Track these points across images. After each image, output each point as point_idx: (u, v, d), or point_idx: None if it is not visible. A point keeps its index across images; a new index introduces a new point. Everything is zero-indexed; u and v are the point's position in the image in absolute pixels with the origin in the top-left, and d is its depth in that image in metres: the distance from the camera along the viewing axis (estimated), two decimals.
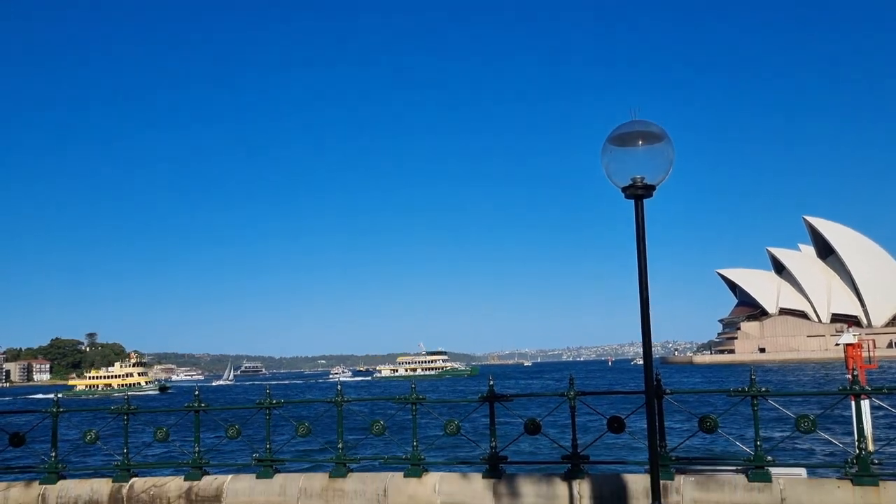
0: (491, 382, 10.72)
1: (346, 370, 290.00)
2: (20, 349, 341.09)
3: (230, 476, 11.25)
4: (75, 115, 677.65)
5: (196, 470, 11.25)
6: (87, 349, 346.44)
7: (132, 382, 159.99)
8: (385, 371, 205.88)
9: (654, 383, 8.57)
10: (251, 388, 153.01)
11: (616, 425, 9.69)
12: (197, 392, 11.87)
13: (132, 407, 11.76)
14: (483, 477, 10.09)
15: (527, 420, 10.14)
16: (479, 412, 10.80)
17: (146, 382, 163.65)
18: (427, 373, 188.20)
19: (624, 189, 5.92)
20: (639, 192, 5.89)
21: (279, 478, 10.95)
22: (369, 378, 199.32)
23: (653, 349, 6.17)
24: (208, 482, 11.14)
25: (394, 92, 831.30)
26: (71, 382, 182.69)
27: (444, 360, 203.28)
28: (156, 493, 11.18)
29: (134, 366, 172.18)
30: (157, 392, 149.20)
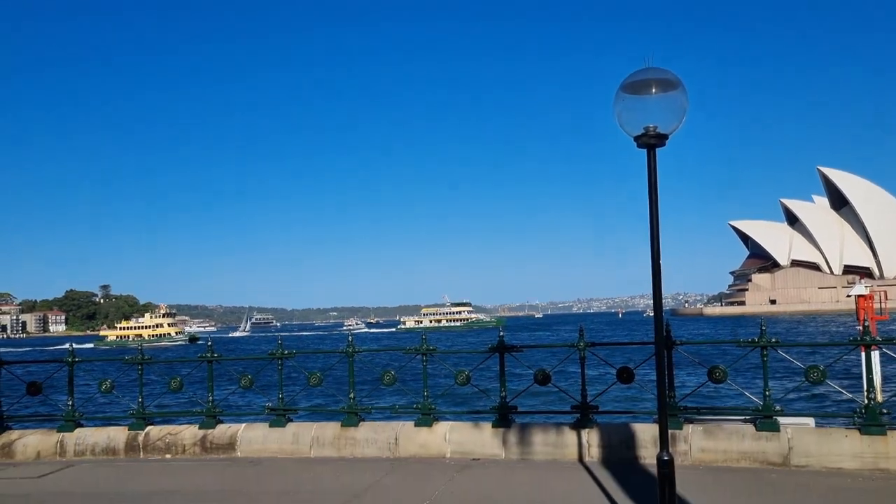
0: (501, 333, 10.77)
1: (359, 322, 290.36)
2: (35, 301, 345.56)
3: (243, 425, 11.44)
4: (92, 63, 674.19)
5: (210, 419, 11.43)
6: (102, 301, 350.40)
7: (163, 333, 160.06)
8: (409, 322, 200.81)
9: (664, 334, 8.59)
10: (264, 339, 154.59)
11: (625, 376, 9.73)
12: (210, 343, 12.04)
13: (146, 357, 11.92)
14: (493, 426, 10.20)
15: (536, 371, 10.21)
16: (490, 363, 10.85)
17: (176, 333, 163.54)
18: (452, 324, 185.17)
19: (636, 138, 5.81)
20: (651, 142, 5.79)
21: (292, 427, 11.12)
22: (393, 329, 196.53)
23: (663, 301, 6.15)
24: (222, 430, 11.34)
25: (408, 47, 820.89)
26: (102, 333, 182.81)
27: (469, 312, 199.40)
28: (171, 441, 11.40)
29: (163, 316, 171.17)
30: (187, 342, 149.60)
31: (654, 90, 5.71)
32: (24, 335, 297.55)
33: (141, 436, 11.55)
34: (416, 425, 10.52)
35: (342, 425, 10.83)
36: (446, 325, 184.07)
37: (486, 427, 10.25)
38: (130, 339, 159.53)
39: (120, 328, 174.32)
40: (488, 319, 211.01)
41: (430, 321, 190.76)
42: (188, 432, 11.43)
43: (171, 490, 9.20)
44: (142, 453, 11.44)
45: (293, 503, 8.30)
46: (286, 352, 11.36)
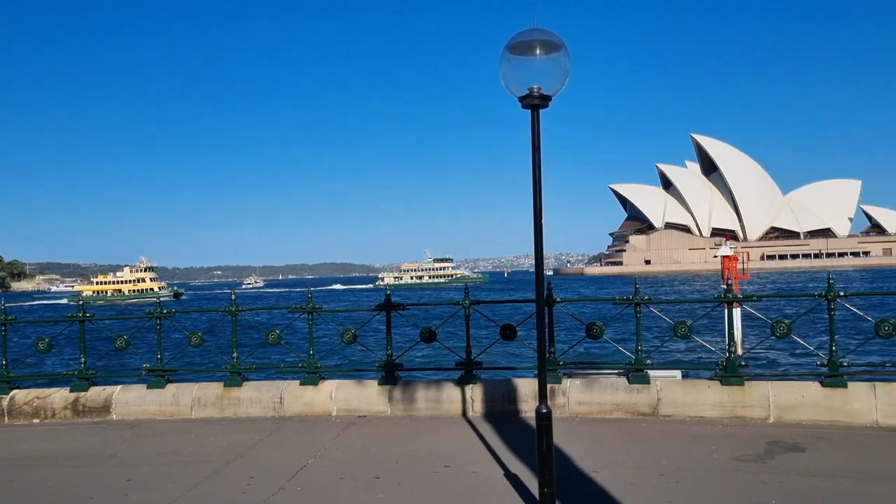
0: (387, 292, 10.80)
1: (258, 280, 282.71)
2: None
3: (119, 387, 11.02)
4: None
5: (82, 381, 10.93)
6: None
7: (145, 288, 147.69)
8: (388, 279, 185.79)
9: (545, 293, 8.87)
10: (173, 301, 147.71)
11: (508, 333, 10.01)
12: (81, 302, 11.47)
13: (10, 317, 11.21)
14: (379, 384, 10.29)
15: (422, 328, 10.33)
16: (378, 321, 10.86)
17: (159, 288, 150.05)
18: (436, 280, 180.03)
19: (520, 98, 5.88)
20: (535, 102, 5.87)
21: (171, 388, 10.80)
22: (370, 286, 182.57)
23: (547, 261, 6.33)
24: (96, 393, 10.87)
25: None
26: (78, 288, 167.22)
27: (452, 268, 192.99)
28: (39, 405, 10.83)
29: (145, 270, 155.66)
30: (172, 298, 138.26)
31: (538, 51, 5.79)
32: None
33: (5, 400, 10.91)
34: (301, 384, 10.46)
35: (225, 385, 10.62)
36: (429, 281, 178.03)
37: (373, 384, 10.32)
38: (109, 294, 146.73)
39: (97, 283, 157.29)
40: (474, 275, 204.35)
41: (412, 277, 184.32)
42: (59, 395, 10.89)
43: (41, 455, 8.77)
44: (6, 418, 10.82)
45: (173, 465, 8.10)
46: (165, 311, 10.98)
